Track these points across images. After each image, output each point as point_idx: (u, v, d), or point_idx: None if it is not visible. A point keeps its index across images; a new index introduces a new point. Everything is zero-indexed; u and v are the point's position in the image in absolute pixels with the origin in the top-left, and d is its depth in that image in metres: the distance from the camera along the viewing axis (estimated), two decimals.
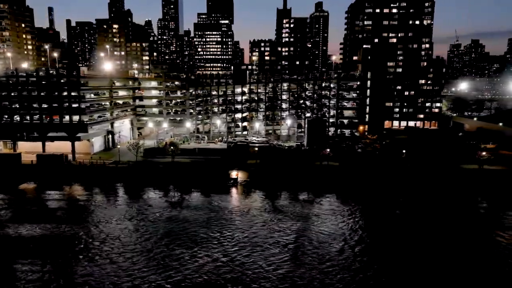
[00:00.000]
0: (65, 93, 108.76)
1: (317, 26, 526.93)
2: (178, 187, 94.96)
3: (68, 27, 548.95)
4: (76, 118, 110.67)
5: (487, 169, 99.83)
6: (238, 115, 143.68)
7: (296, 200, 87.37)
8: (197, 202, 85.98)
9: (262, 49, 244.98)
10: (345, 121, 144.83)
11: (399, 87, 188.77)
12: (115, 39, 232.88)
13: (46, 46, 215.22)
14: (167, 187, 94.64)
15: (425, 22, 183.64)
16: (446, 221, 74.75)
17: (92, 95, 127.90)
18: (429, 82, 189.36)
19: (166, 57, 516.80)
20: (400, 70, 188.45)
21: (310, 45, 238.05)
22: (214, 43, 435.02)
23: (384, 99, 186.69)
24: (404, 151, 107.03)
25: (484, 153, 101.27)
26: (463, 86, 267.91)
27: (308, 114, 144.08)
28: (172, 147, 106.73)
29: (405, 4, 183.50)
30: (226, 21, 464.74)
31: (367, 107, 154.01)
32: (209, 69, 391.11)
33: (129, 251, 60.33)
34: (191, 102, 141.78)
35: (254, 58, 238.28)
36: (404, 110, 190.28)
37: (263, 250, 61.31)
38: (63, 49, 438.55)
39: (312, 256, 59.18)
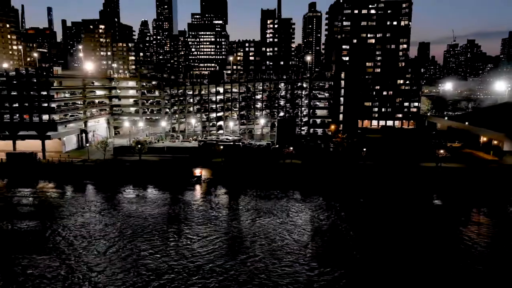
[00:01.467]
0: (35, 93, 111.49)
1: (310, 26, 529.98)
2: (141, 185, 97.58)
3: (63, 27, 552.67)
4: (47, 117, 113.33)
5: (445, 167, 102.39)
6: (214, 115, 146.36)
7: (254, 196, 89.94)
8: (158, 198, 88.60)
9: (247, 49, 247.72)
10: (318, 120, 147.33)
11: (377, 87, 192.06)
12: (101, 39, 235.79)
13: (40, 47, 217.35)
14: (130, 185, 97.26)
15: (402, 23, 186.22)
16: (394, 216, 77.43)
17: (68, 95, 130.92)
18: (407, 82, 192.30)
19: (160, 57, 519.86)
20: (378, 70, 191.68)
21: (294, 46, 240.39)
22: (207, 43, 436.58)
23: (362, 98, 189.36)
24: (364, 149, 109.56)
25: (442, 151, 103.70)
26: (448, 86, 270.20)
27: (281, 114, 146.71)
28: (139, 146, 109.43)
29: (383, 5, 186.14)
30: (220, 21, 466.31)
31: (341, 107, 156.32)
32: (203, 69, 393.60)
33: (84, 248, 63.09)
34: (166, 102, 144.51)
35: (239, 58, 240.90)
36: (383, 109, 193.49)
37: (213, 243, 64.08)
38: (59, 49, 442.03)
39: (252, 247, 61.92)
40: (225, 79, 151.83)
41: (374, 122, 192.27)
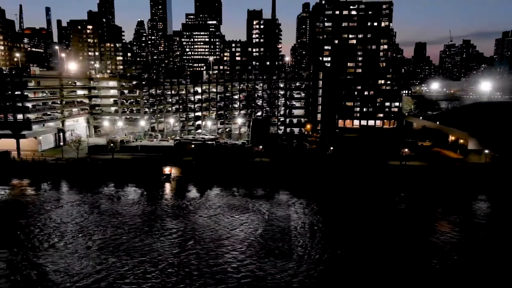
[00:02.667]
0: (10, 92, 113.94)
1: (303, 26, 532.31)
2: (110, 183, 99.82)
3: (59, 27, 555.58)
4: (22, 116, 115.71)
5: (409, 165, 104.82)
6: (193, 114, 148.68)
7: (218, 193, 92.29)
8: (123, 195, 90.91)
9: (233, 49, 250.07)
10: (295, 120, 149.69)
11: (359, 87, 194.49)
12: (89, 40, 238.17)
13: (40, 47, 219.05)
14: (100, 183, 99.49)
15: (383, 24, 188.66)
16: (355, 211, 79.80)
17: (48, 94, 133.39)
18: (388, 82, 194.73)
19: (155, 57, 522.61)
20: (360, 70, 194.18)
21: (281, 46, 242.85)
22: (202, 43, 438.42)
23: (344, 98, 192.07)
24: (331, 148, 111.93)
25: (406, 150, 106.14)
26: (435, 86, 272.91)
27: (259, 113, 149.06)
28: (112, 145, 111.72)
29: (363, 7, 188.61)
30: (214, 22, 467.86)
31: (319, 106, 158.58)
32: (197, 69, 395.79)
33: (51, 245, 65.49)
34: (145, 101, 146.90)
35: (226, 58, 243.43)
36: (364, 109, 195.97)
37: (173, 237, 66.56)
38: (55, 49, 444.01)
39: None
40: (203, 79, 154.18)
41: (356, 122, 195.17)
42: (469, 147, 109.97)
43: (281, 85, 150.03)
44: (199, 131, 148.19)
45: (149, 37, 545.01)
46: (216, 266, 57.05)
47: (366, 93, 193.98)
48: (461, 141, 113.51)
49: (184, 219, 76.41)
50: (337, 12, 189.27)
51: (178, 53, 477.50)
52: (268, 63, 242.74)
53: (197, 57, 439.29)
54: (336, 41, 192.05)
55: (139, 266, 57.00)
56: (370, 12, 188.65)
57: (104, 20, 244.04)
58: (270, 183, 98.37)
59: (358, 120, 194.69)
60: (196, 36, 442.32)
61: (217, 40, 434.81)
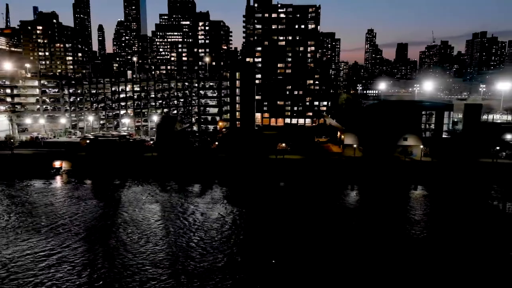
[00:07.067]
0: None
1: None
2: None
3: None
4: None
5: (287, 159, 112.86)
6: (112, 113, 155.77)
7: (101, 185, 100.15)
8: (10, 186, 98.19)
9: (180, 50, 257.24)
10: (209, 117, 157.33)
11: (289, 87, 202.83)
12: (39, 40, 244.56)
13: None
14: None
15: (309, 27, 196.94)
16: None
17: None
18: (316, 82, 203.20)
19: (128, 57, 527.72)
20: (289, 71, 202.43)
21: (226, 47, 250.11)
22: (175, 44, 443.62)
23: (275, 97, 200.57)
24: (216, 143, 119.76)
25: (283, 144, 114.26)
26: (382, 86, 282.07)
27: (175, 112, 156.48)
28: (11, 140, 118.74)
29: (291, 10, 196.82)
30: (187, 22, 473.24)
31: (237, 105, 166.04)
32: (170, 69, 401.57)
33: None
34: (66, 100, 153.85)
35: (172, 58, 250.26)
36: (295, 108, 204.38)
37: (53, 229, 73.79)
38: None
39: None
40: (127, 78, 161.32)
41: (288, 120, 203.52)
42: (345, 142, 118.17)
43: (196, 85, 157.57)
44: (119, 128, 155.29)
45: (125, 37, 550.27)
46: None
47: (295, 92, 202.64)
48: (342, 137, 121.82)
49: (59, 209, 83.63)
50: (267, 15, 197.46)
51: (155, 54, 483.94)
52: (214, 63, 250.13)
53: (169, 57, 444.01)
54: (266, 43, 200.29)
55: None
56: (297, 15, 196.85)
57: (54, 21, 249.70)
58: (153, 176, 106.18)
59: (289, 118, 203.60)
60: (169, 37, 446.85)
61: (190, 40, 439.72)
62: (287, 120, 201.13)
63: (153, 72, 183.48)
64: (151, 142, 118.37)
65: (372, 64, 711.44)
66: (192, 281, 53.78)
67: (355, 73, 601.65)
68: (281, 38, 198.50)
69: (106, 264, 58.15)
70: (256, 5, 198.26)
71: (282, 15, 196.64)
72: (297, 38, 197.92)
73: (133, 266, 57.69)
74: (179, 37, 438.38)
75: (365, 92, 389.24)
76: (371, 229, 73.28)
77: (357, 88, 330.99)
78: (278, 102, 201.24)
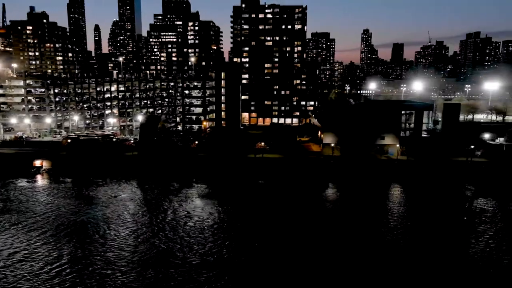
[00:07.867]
0: None
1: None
2: None
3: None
4: None
5: (266, 158, 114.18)
6: (97, 112, 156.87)
7: (77, 183, 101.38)
8: None
9: (170, 50, 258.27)
10: (194, 117, 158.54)
11: (276, 87, 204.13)
12: (29, 40, 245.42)
13: None
14: None
15: (296, 27, 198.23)
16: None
17: None
18: (303, 82, 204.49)
19: (123, 57, 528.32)
20: (277, 71, 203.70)
21: (216, 47, 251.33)
22: (169, 44, 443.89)
23: (263, 97, 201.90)
24: (196, 142, 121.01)
25: (262, 144, 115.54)
26: (373, 86, 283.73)
27: (159, 111, 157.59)
28: None
29: (278, 10, 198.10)
30: (181, 22, 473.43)
31: (223, 105, 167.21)
32: (160, 70, 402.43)
33: None
34: (52, 99, 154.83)
35: (162, 58, 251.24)
36: (282, 108, 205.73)
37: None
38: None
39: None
40: (113, 78, 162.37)
41: (275, 120, 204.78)
42: (324, 141, 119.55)
43: (182, 84, 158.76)
44: (104, 128, 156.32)
45: (120, 37, 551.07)
46: None
47: (283, 92, 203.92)
48: (322, 136, 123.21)
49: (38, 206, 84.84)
50: (254, 15, 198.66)
51: (148, 54, 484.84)
52: (203, 63, 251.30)
53: (164, 57, 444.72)
54: (254, 43, 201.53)
55: None
56: (284, 16, 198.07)
57: (44, 21, 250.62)
58: (123, 173, 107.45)
59: (277, 118, 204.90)
60: (164, 37, 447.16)
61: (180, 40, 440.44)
62: (275, 120, 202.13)
63: (142, 73, 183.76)
64: (132, 141, 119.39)
65: (368, 64, 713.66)
66: (157, 276, 55.36)
67: (350, 73, 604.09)
68: (268, 38, 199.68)
69: (72, 259, 59.45)
70: (243, 5, 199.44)
71: (269, 16, 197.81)
72: (284, 39, 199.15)
73: (101, 261, 59.11)
74: (173, 37, 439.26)
75: (359, 92, 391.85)
76: (348, 222, 76.46)
77: (345, 88, 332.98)
78: (266, 102, 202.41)
